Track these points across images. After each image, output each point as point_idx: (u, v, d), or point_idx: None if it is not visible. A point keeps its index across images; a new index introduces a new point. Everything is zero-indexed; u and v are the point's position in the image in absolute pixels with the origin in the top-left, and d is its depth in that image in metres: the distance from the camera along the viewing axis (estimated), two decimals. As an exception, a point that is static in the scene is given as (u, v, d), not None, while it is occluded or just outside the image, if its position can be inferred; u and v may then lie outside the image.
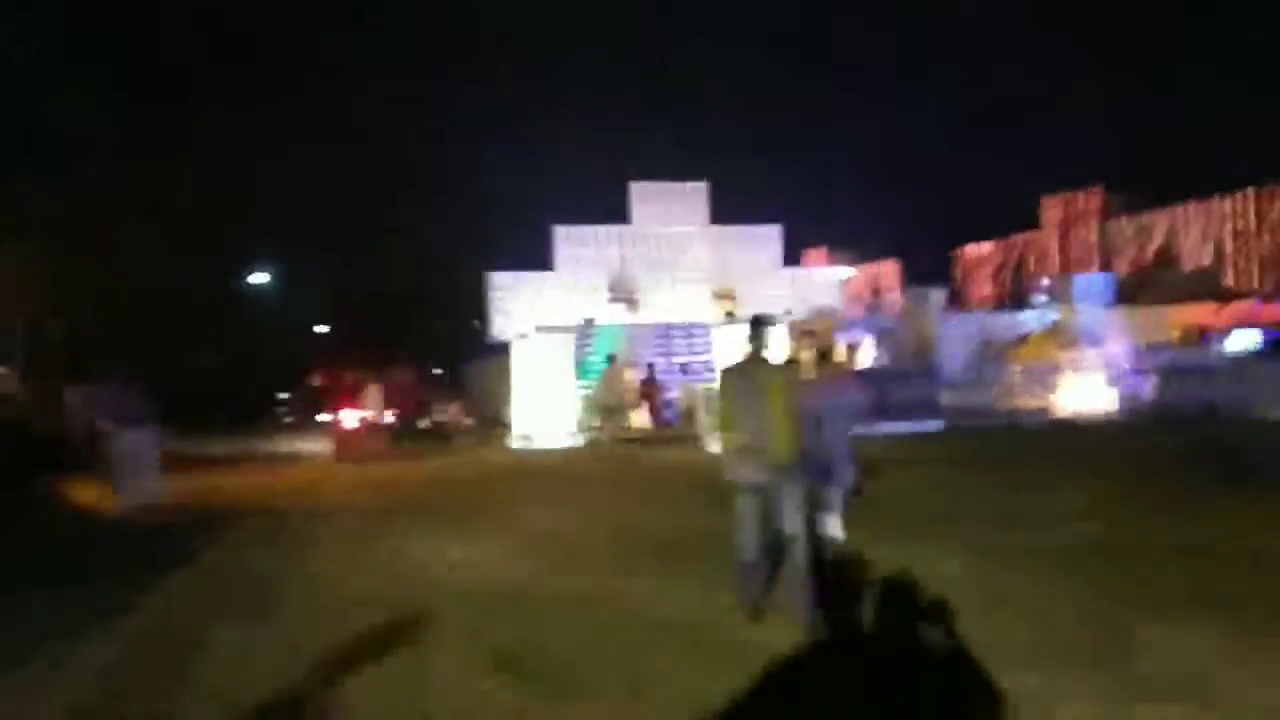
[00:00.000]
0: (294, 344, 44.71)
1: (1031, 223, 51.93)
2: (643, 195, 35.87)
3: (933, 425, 17.46)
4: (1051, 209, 50.60)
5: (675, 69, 78.25)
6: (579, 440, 19.47)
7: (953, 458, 13.58)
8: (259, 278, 38.46)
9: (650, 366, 21.34)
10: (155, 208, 29.35)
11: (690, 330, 23.66)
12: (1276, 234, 41.59)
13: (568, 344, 20.12)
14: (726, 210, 35.57)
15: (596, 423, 19.66)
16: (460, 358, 30.66)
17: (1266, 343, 25.30)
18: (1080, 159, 68.09)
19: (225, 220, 38.30)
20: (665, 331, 23.61)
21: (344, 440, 19.09)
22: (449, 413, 22.16)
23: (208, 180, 36.38)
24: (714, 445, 16.85)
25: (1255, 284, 41.56)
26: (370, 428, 19.78)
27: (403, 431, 20.25)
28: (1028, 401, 21.58)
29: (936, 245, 50.32)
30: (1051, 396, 20.84)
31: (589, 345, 21.39)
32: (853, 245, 56.30)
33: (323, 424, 20.35)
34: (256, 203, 41.53)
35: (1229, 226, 43.76)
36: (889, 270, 54.21)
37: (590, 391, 20.35)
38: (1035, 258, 50.32)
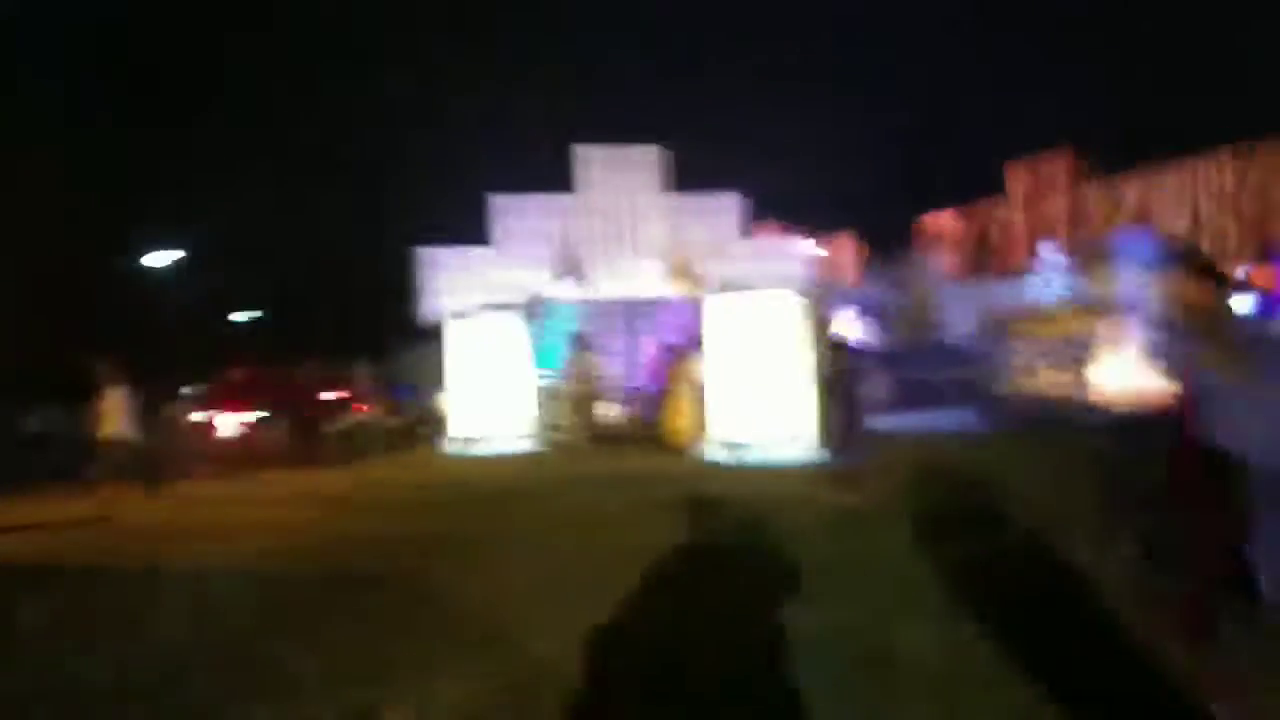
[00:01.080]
0: (200, 336, 39.75)
1: (995, 190, 49.42)
2: (589, 160, 32.41)
3: (971, 420, 14.21)
4: (1016, 175, 48.22)
5: (617, 25, 74.08)
6: (534, 443, 15.79)
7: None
8: (157, 258, 33.61)
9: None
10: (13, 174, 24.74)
11: (664, 307, 20.04)
12: (1256, 197, 39.94)
13: (518, 324, 16.33)
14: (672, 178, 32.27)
15: (562, 420, 16.00)
16: (385, 345, 26.50)
17: (1262, 308, 22.86)
18: (1045, 123, 66.09)
19: (113, 192, 33.35)
20: (630, 309, 19.95)
21: (216, 450, 15.16)
22: (365, 411, 18.19)
23: (96, 149, 31.39)
24: (707, 448, 13.42)
25: (1233, 249, 39.49)
26: (250, 433, 15.76)
27: (304, 436, 16.29)
28: (1054, 385, 18.45)
29: (893, 217, 47.43)
30: (1089, 380, 17.73)
31: (541, 326, 17.59)
32: (804, 218, 53.20)
33: (195, 428, 16.22)
34: (157, 177, 36.60)
35: (1207, 189, 42.14)
36: (846, 243, 51.44)
37: (549, 381, 16.65)
38: (1000, 226, 48.09)
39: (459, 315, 16.27)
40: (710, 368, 13.62)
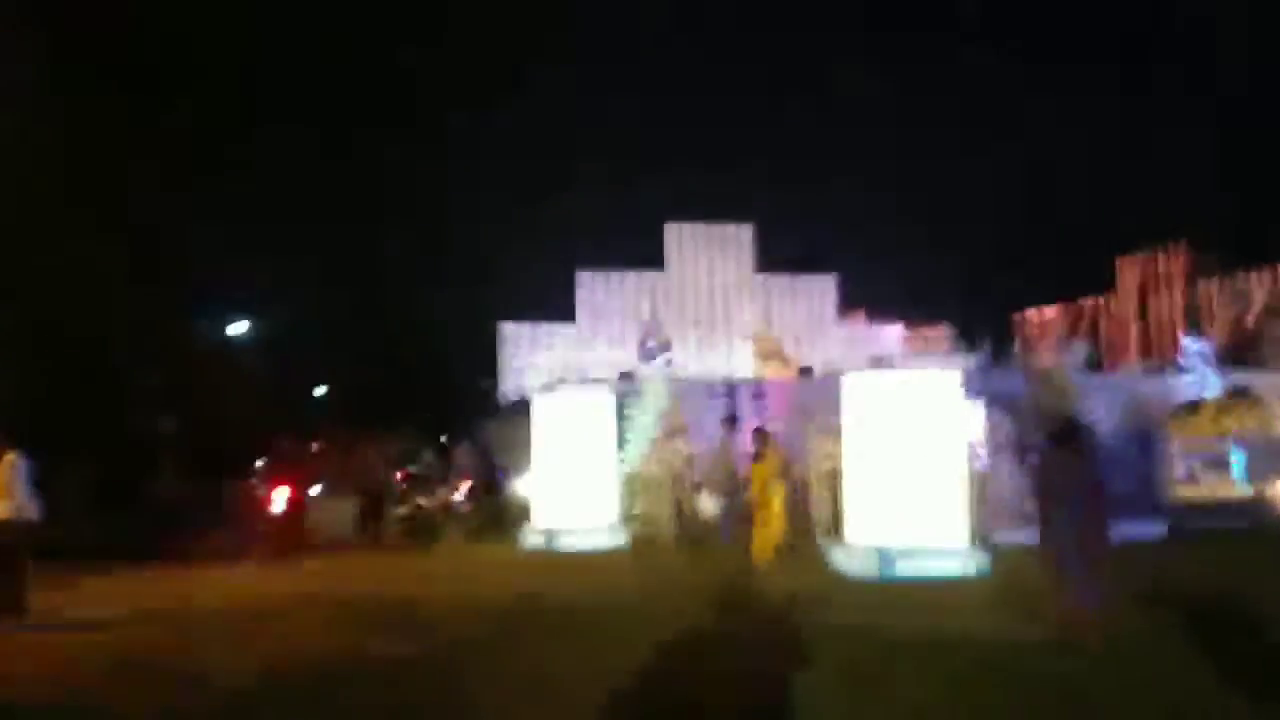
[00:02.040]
0: (283, 409, 39.12)
1: (1100, 285, 46.64)
2: (679, 238, 31.09)
3: (1154, 529, 11.91)
4: (1128, 269, 45.47)
5: (714, 109, 73.83)
6: (619, 537, 13.91)
7: None
8: (237, 327, 33.14)
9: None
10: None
11: (761, 389, 18.16)
12: None
13: (607, 401, 14.60)
14: (762, 258, 30.70)
15: (651, 512, 14.15)
16: (466, 424, 25.07)
17: None
18: (1155, 216, 62.95)
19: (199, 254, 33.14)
20: (726, 390, 18.13)
21: (268, 532, 13.63)
22: (439, 495, 16.50)
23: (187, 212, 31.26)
24: (851, 558, 11.21)
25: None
26: (294, 513, 14.14)
27: (371, 519, 14.69)
28: (1216, 490, 15.98)
29: (989, 310, 44.90)
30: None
31: (630, 406, 15.88)
32: (895, 307, 51.22)
33: (250, 510, 14.73)
34: (239, 242, 36.52)
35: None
36: (937, 336, 49.01)
37: (636, 468, 14.86)
38: (1109, 322, 45.15)
39: (547, 389, 14.62)
40: (851, 458, 11.39)
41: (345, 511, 14.90)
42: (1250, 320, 39.46)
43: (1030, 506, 11.64)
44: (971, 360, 12.08)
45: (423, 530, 14.83)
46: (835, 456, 12.13)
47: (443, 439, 27.63)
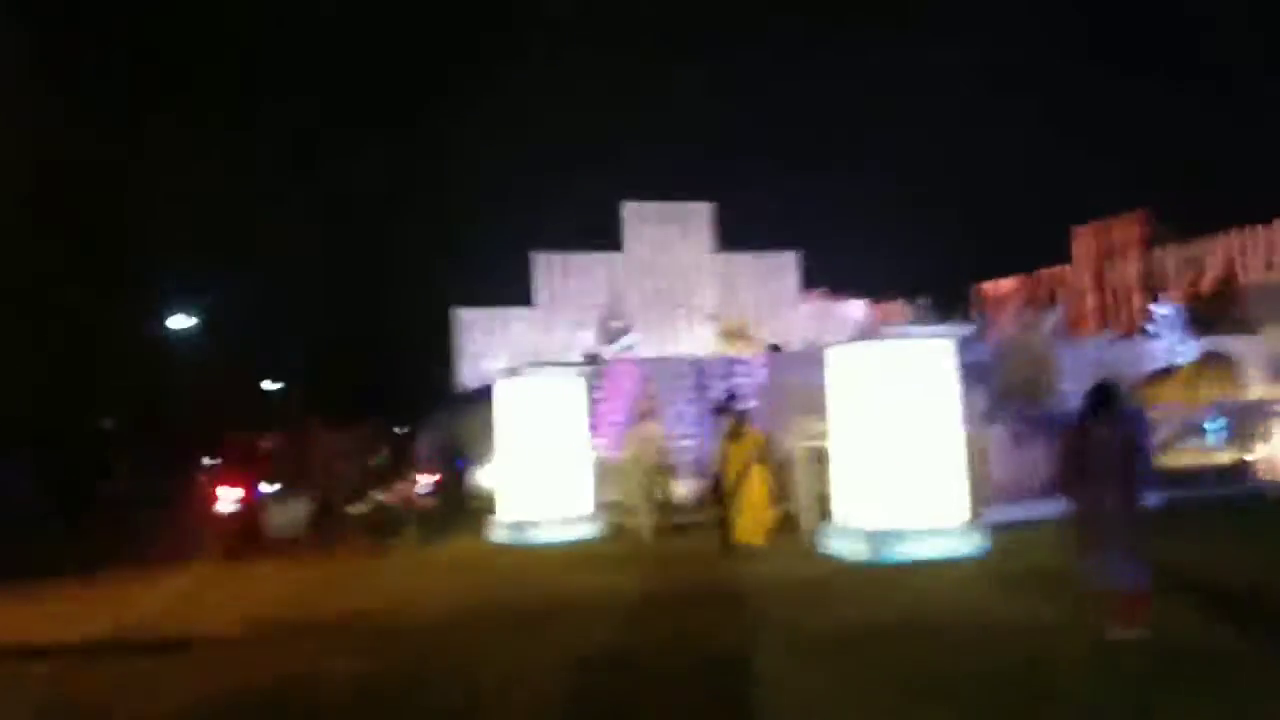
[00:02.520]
0: (235, 403, 37.73)
1: (1056, 256, 46.78)
2: (638, 218, 30.37)
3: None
4: (1083, 239, 45.61)
5: (675, 83, 72.92)
6: (594, 528, 13.24)
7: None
8: (184, 321, 31.72)
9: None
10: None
11: (732, 367, 17.57)
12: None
13: (576, 386, 13.86)
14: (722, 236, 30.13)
15: (625, 501, 13.46)
16: (425, 414, 24.11)
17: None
18: (1109, 188, 63.26)
19: (139, 245, 31.79)
20: (698, 368, 17.52)
21: (220, 533, 12.73)
22: (398, 490, 15.64)
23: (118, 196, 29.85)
24: (831, 539, 10.63)
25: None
26: (247, 513, 13.26)
27: (328, 517, 13.81)
28: (1197, 458, 15.70)
29: (946, 283, 44.82)
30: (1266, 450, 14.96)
31: (599, 389, 15.19)
32: (855, 284, 51.24)
33: (202, 509, 13.80)
34: (175, 226, 34.98)
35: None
36: (898, 309, 49.00)
37: (609, 454, 14.18)
38: (1066, 292, 45.29)
39: (511, 374, 13.84)
40: (836, 434, 10.78)
41: (301, 509, 14.00)
42: (1204, 286, 39.86)
43: (1038, 481, 11.26)
44: (956, 331, 11.51)
45: (384, 527, 14.00)
46: (819, 435, 11.56)
47: (401, 430, 26.73)
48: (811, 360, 12.29)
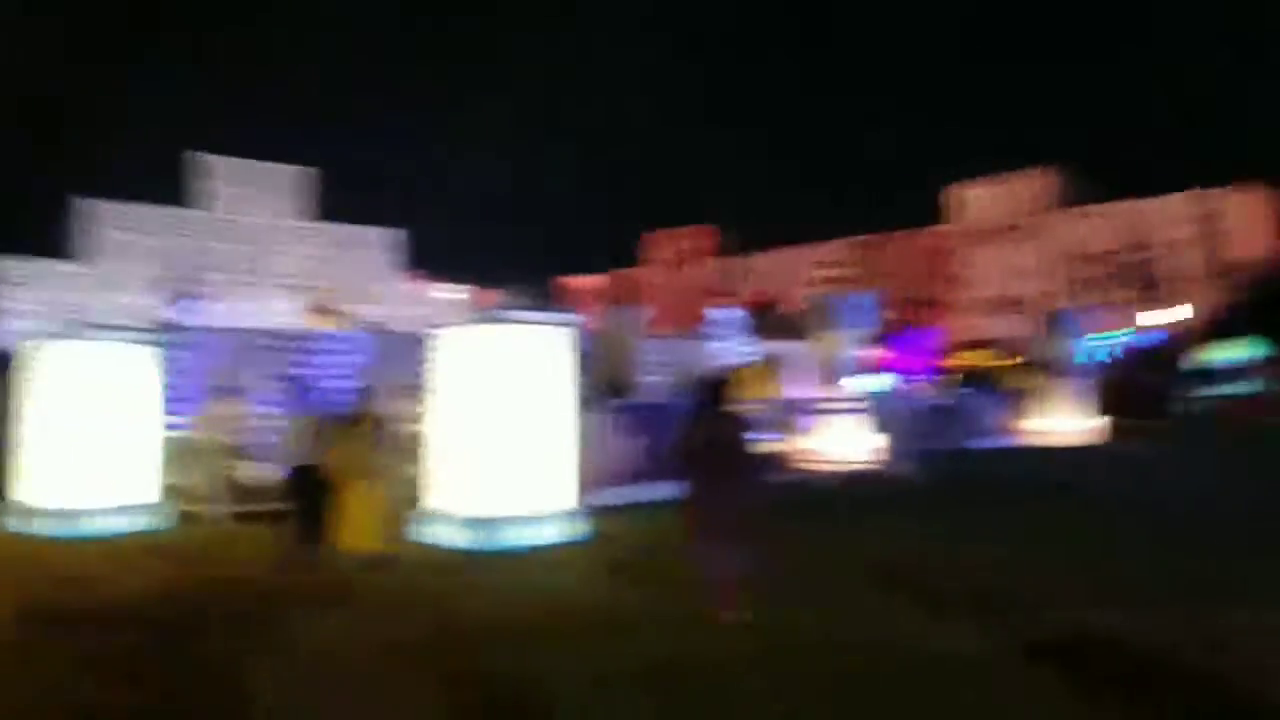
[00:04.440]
0: None
1: (636, 258, 50.75)
2: (213, 173, 27.24)
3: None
4: (659, 244, 49.76)
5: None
6: (159, 519, 11.44)
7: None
8: None
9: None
10: None
11: (311, 341, 16.34)
12: (878, 280, 44.49)
13: (139, 355, 11.86)
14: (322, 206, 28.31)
15: (191, 485, 11.77)
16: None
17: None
18: (681, 200, 69.05)
19: None
20: (285, 343, 16.08)
21: None
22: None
23: None
24: (429, 526, 9.98)
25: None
26: None
27: None
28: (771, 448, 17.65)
29: (535, 277, 46.66)
30: (806, 442, 17.08)
31: (167, 360, 13.19)
32: (450, 271, 51.74)
33: None
34: None
35: (822, 272, 46.13)
36: (491, 298, 50.24)
37: (180, 433, 12.36)
38: (645, 291, 48.94)
39: (53, 335, 11.47)
40: (441, 421, 10.24)
41: None
42: (748, 295, 45.51)
43: (647, 466, 11.65)
44: (572, 320, 11.69)
45: None
46: (416, 418, 11.00)
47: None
48: (416, 342, 11.77)
